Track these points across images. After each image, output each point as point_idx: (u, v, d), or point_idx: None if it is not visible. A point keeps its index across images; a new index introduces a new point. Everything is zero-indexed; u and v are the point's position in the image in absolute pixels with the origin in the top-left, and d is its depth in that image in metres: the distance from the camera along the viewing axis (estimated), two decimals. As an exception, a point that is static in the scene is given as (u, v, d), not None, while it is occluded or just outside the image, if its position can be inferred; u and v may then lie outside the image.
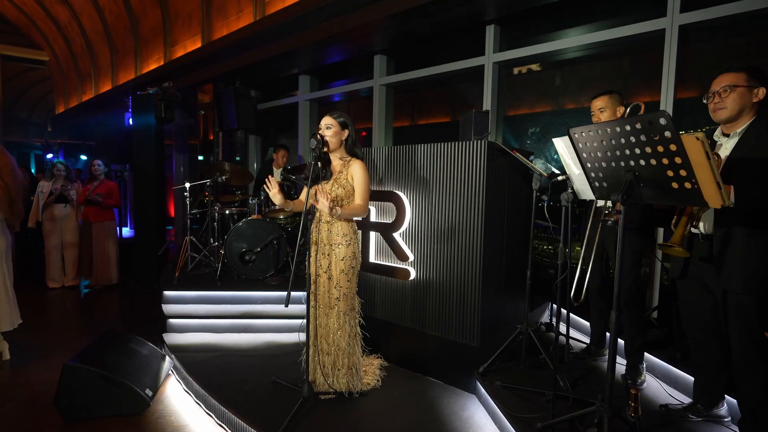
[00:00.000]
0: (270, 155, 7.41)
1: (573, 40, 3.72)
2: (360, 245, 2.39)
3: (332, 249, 2.32)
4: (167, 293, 3.58)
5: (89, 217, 5.20)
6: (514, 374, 2.43)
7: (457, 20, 4.19)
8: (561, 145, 1.94)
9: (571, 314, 2.72)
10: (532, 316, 3.21)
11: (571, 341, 2.73)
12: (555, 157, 4.25)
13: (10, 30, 12.34)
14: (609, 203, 2.30)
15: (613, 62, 3.98)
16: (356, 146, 2.39)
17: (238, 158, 7.19)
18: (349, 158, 2.35)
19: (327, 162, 2.39)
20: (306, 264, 2.33)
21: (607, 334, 2.80)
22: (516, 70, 4.56)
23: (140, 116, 5.11)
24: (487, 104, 4.26)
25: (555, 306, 3.29)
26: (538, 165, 2.41)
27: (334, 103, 6.22)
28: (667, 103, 3.22)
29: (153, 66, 7.84)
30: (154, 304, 3.76)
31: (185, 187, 4.03)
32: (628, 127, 1.42)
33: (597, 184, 1.73)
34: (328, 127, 2.30)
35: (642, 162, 1.45)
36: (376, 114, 5.27)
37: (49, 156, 10.23)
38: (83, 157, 9.77)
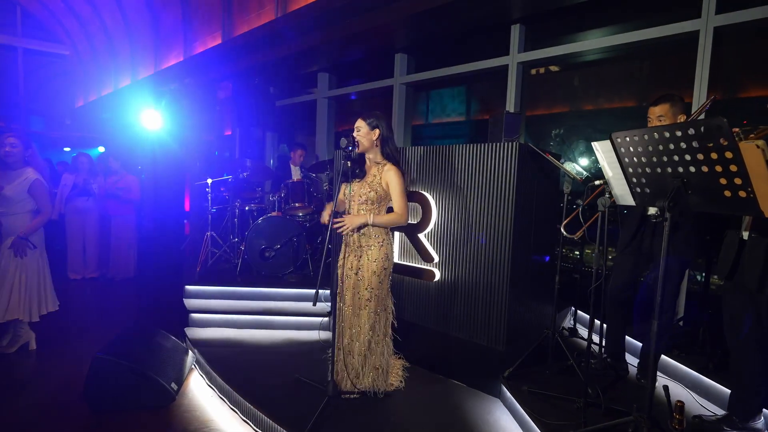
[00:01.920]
0: (282, 149, 7.43)
1: (601, 41, 3.66)
2: (392, 247, 2.37)
3: (363, 250, 2.31)
4: (189, 288, 3.61)
5: (109, 211, 5.27)
6: (541, 379, 2.40)
7: (481, 20, 4.15)
8: (600, 149, 1.90)
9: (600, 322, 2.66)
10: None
11: (594, 349, 2.69)
12: (578, 159, 4.20)
13: (32, 24, 12.53)
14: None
15: (635, 65, 3.91)
16: (390, 148, 2.33)
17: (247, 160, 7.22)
18: (384, 162, 2.32)
19: (361, 162, 2.38)
20: (333, 263, 2.33)
21: (631, 340, 2.76)
22: (533, 71, 4.51)
23: (161, 111, 5.16)
24: (510, 105, 4.22)
25: (579, 312, 3.25)
26: (569, 168, 2.37)
27: (351, 101, 6.21)
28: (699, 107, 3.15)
29: (172, 62, 7.88)
30: (173, 298, 3.79)
31: (207, 183, 4.06)
32: (679, 133, 1.38)
33: (639, 189, 1.69)
34: (358, 130, 2.32)
35: (692, 169, 1.41)
36: (396, 113, 5.25)
37: (67, 149, 10.38)
38: (101, 150, 9.92)
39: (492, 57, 4.33)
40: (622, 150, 1.66)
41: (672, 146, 1.43)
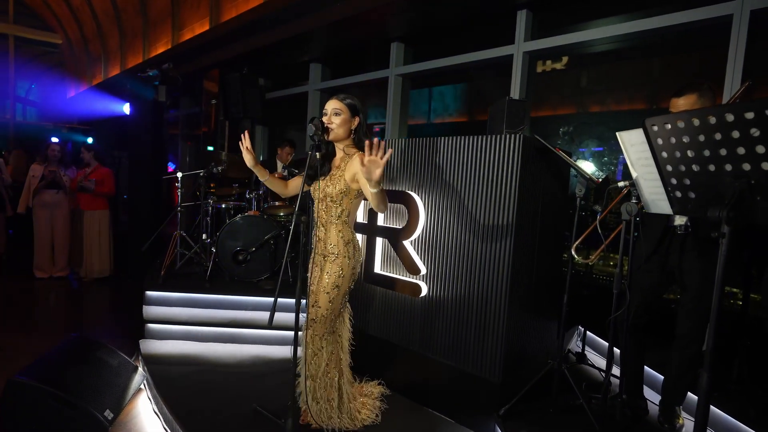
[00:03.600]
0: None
1: (618, 28, 3.24)
2: (355, 261, 1.95)
3: (326, 260, 1.92)
4: (150, 294, 3.23)
5: (80, 205, 4.90)
6: (543, 420, 2.01)
7: (484, 4, 3.76)
8: (626, 141, 1.51)
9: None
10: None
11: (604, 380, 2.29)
12: (589, 159, 3.81)
13: (25, 12, 12.21)
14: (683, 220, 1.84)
15: (648, 61, 3.53)
16: (367, 137, 1.97)
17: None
18: (354, 152, 1.93)
19: (330, 155, 1.99)
20: (301, 271, 1.93)
21: (650, 372, 2.36)
22: (540, 69, 4.13)
23: (138, 99, 4.79)
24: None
25: (588, 333, 2.84)
26: (585, 168, 1.97)
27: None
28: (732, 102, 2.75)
29: (161, 50, 7.51)
30: (136, 304, 3.42)
31: (177, 177, 3.67)
32: (750, 115, 0.99)
33: (679, 194, 1.29)
34: (337, 113, 1.87)
35: (766, 166, 1.01)
36: (391, 107, 4.85)
37: (55, 139, 10.05)
38: (89, 140, 9.59)
39: (495, 47, 3.93)
40: (659, 141, 1.26)
41: (737, 134, 1.03)
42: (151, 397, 2.48)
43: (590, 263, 1.78)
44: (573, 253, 1.78)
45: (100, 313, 4.05)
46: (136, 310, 3.28)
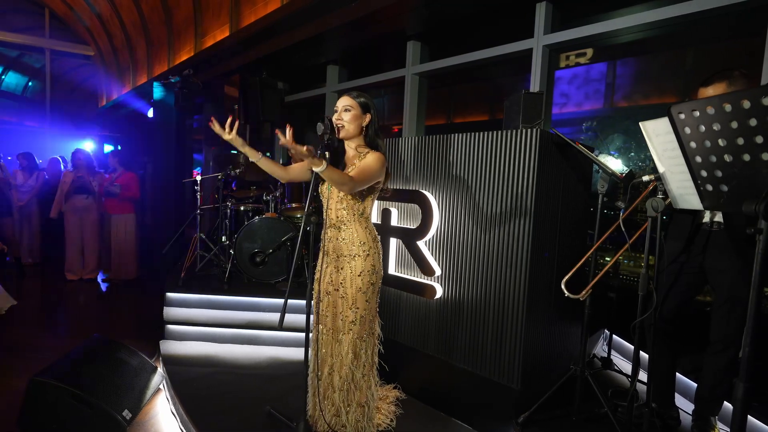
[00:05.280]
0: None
1: (650, 15, 3.06)
2: (381, 256, 1.93)
3: (344, 260, 1.88)
4: (170, 295, 3.28)
5: (108, 209, 5.07)
6: (565, 429, 1.91)
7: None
8: (650, 131, 1.40)
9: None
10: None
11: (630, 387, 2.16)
12: (614, 154, 3.64)
13: (59, 26, 12.81)
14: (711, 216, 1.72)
15: (679, 52, 3.34)
16: (379, 136, 1.92)
17: (267, 153, 6.94)
18: (366, 151, 1.88)
19: (340, 153, 1.95)
20: (310, 273, 1.90)
21: (683, 379, 2.22)
22: (563, 63, 3.99)
23: (161, 106, 4.91)
24: (534, 94, 3.69)
25: (615, 336, 2.70)
26: (608, 163, 1.86)
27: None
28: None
29: (185, 57, 7.72)
30: (158, 306, 3.48)
31: (196, 180, 3.73)
32: (789, 97, 0.89)
33: (710, 187, 1.19)
34: (347, 110, 1.84)
35: (809, 153, 0.91)
36: (408, 107, 4.80)
37: (88, 146, 10.48)
38: (117, 147, 9.97)
39: (514, 41, 3.82)
40: (687, 130, 1.16)
41: (775, 119, 0.93)
42: (169, 397, 2.51)
43: (581, 299, 1.64)
44: (563, 287, 1.63)
45: (125, 315, 4.15)
46: (158, 312, 3.35)
